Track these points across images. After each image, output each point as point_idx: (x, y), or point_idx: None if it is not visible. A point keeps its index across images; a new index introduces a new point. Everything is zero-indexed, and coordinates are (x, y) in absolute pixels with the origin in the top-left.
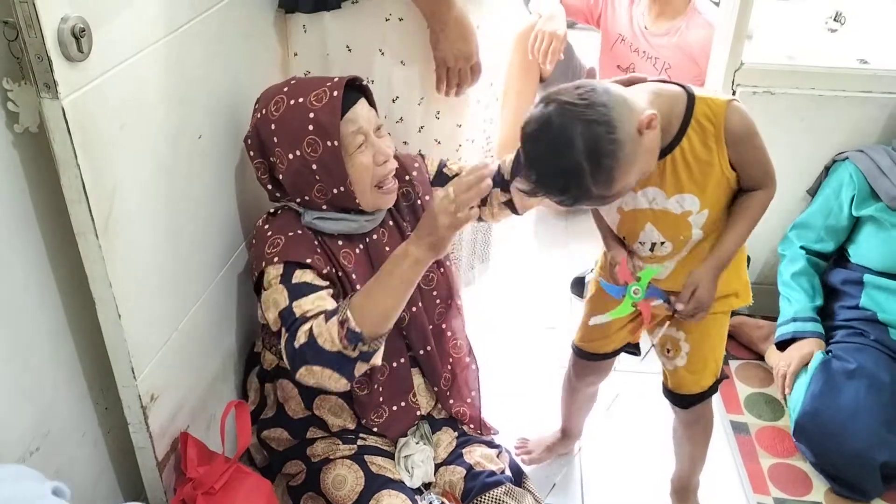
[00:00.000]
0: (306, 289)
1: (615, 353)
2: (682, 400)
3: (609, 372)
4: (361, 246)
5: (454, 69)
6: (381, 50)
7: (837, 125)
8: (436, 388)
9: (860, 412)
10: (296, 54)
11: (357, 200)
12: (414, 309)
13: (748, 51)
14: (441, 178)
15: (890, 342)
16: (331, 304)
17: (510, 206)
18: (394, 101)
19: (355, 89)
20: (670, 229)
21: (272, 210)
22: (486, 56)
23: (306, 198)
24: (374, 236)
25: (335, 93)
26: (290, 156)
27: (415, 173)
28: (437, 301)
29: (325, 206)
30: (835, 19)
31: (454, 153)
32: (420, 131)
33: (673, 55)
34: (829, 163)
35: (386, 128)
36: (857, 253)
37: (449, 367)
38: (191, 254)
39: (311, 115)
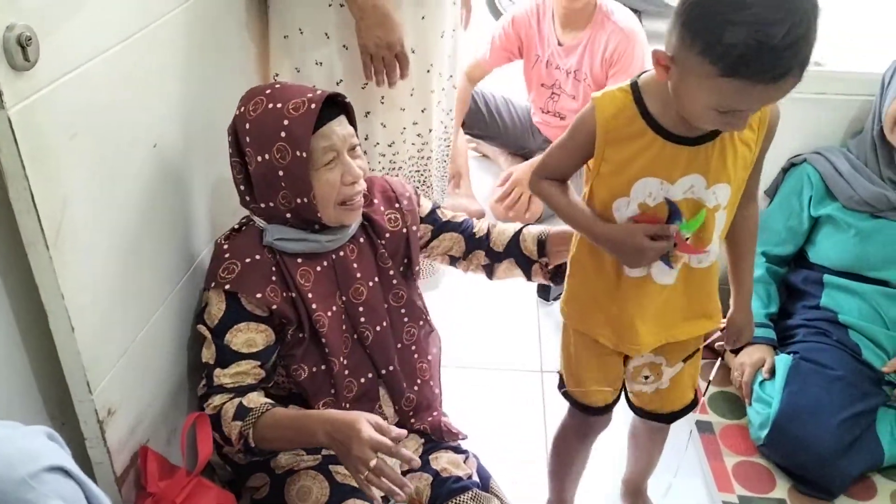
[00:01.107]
0: (231, 356)
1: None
2: (667, 417)
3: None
4: (326, 263)
5: (377, 56)
6: (326, 33)
7: (794, 127)
8: (397, 407)
9: (829, 414)
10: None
11: (319, 214)
12: (378, 328)
13: None
14: (432, 218)
15: (851, 343)
16: (251, 379)
17: (487, 270)
18: (337, 83)
19: (337, 105)
20: (696, 222)
21: (236, 226)
22: (437, 46)
23: (271, 204)
24: (342, 253)
25: (313, 105)
26: (260, 158)
27: (405, 202)
28: (406, 320)
29: (288, 215)
30: None
31: (398, 136)
32: (366, 116)
33: (589, 65)
34: (786, 165)
35: None
36: (815, 253)
37: (415, 388)
38: (148, 264)
39: (286, 122)
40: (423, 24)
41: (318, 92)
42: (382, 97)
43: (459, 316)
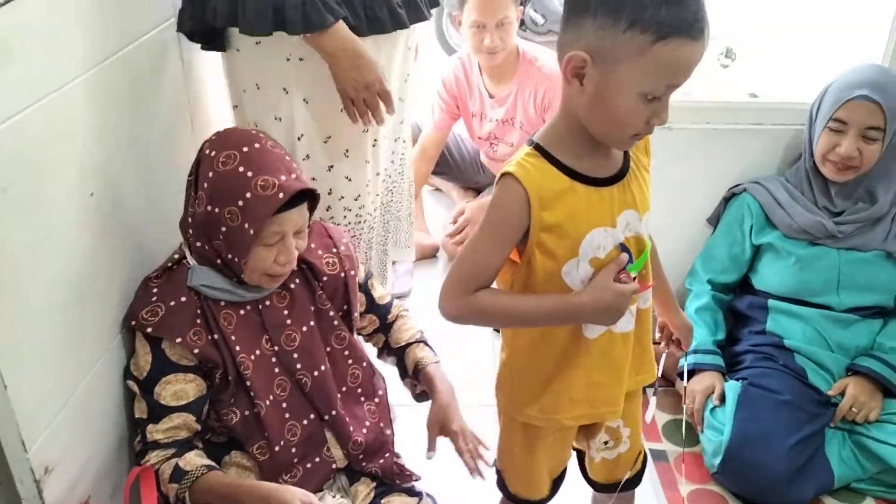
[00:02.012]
0: (162, 410)
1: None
2: (631, 483)
3: None
4: (249, 307)
5: (357, 99)
6: (285, 88)
7: (733, 156)
8: (345, 451)
9: (779, 439)
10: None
11: (243, 274)
12: (316, 373)
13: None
14: (365, 290)
15: (797, 367)
16: (186, 432)
17: (379, 351)
18: (298, 138)
19: (303, 192)
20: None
21: (169, 263)
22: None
23: (205, 247)
24: (268, 302)
25: (281, 195)
26: (209, 207)
27: (342, 248)
28: (350, 362)
29: (218, 262)
30: (726, 55)
31: (363, 188)
32: (330, 170)
33: (522, 113)
34: (727, 194)
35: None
36: (759, 280)
37: (363, 431)
38: (89, 314)
39: (248, 195)
40: (385, 71)
41: (293, 177)
42: (346, 150)
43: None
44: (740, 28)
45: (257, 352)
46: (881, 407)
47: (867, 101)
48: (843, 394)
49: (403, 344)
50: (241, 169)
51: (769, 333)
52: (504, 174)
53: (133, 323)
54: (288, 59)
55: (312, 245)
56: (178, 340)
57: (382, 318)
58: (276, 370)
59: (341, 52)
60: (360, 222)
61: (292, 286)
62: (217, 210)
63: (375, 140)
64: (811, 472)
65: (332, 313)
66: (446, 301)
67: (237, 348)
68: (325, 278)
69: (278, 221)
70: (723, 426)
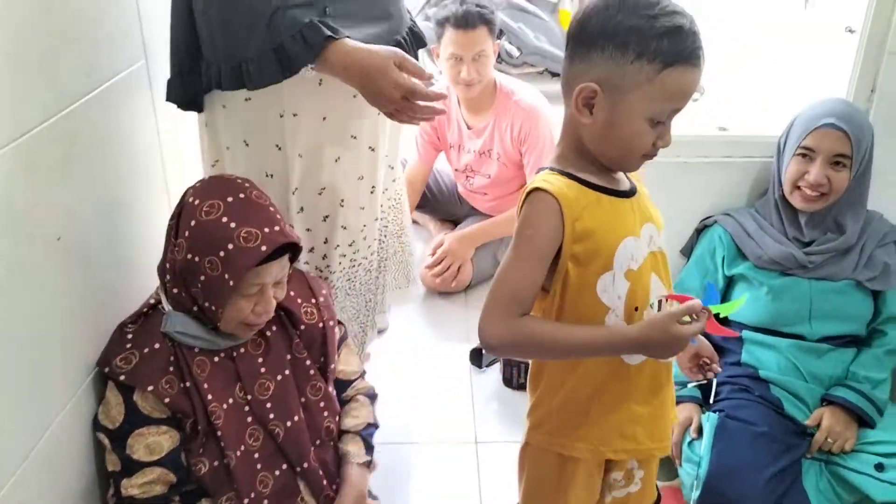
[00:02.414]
0: (136, 465)
1: None
2: None
3: None
4: (223, 355)
5: (392, 112)
6: (277, 145)
7: (705, 189)
8: (318, 502)
9: (757, 471)
10: (202, 144)
11: (219, 322)
12: (289, 423)
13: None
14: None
15: (773, 398)
16: (161, 486)
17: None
18: (293, 192)
19: (286, 243)
20: (665, 273)
21: (145, 309)
22: (388, 140)
23: (183, 293)
24: (242, 350)
25: (263, 248)
26: (189, 255)
27: (321, 299)
28: (326, 414)
29: (195, 309)
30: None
31: (359, 234)
32: (325, 220)
33: (500, 145)
34: (699, 226)
35: (285, 217)
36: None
37: (334, 487)
38: (53, 360)
39: (230, 246)
40: (379, 119)
41: (277, 229)
42: (342, 200)
43: (389, 388)
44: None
45: (230, 400)
46: (856, 437)
47: (834, 129)
48: (818, 424)
49: (344, 430)
50: (224, 219)
51: (744, 365)
52: (532, 190)
53: (107, 370)
54: (281, 116)
55: (292, 293)
56: (150, 388)
57: (338, 394)
58: (249, 419)
59: (350, 68)
60: (353, 266)
61: (269, 333)
62: (197, 259)
63: (373, 187)
64: (789, 503)
65: (308, 362)
66: (489, 326)
67: (209, 397)
68: (302, 327)
69: (259, 274)
70: (700, 459)
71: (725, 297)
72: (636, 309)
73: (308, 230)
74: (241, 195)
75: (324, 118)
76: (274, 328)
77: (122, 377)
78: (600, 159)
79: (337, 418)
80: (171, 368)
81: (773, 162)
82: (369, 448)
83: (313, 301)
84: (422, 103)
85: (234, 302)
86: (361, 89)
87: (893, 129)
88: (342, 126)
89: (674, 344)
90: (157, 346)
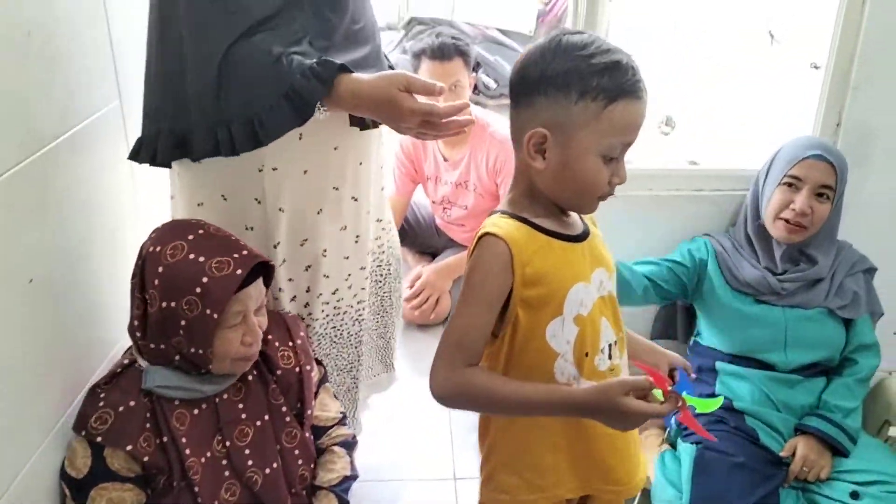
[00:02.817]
0: None
1: None
2: None
3: None
4: (205, 405)
5: (416, 134)
6: (256, 199)
7: (675, 222)
8: None
9: (739, 501)
10: (172, 197)
11: (211, 365)
12: (268, 471)
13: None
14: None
15: (748, 429)
16: None
17: None
18: (275, 246)
19: (258, 265)
20: (615, 320)
21: (118, 369)
22: (371, 189)
23: (161, 346)
24: (225, 395)
25: (238, 271)
26: (164, 304)
27: (299, 341)
28: (300, 462)
29: (176, 358)
30: (666, 123)
31: (343, 283)
32: (307, 270)
33: (476, 176)
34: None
35: None
36: (706, 338)
37: None
38: (23, 407)
39: (205, 279)
40: (360, 169)
41: (245, 253)
42: (324, 250)
43: (366, 422)
44: (679, 96)
45: (208, 454)
46: (831, 465)
47: (822, 160)
48: (793, 453)
49: (318, 484)
50: (191, 256)
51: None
52: (482, 235)
53: (83, 433)
54: (260, 170)
55: (269, 336)
56: (129, 448)
57: (314, 440)
58: (227, 473)
59: (361, 103)
60: (338, 313)
61: (249, 378)
62: (174, 304)
63: (358, 236)
64: None
65: (284, 409)
66: (435, 377)
67: (187, 451)
68: (279, 372)
69: (240, 300)
70: (678, 480)
71: (699, 325)
72: (586, 354)
73: (290, 280)
74: (201, 231)
75: (304, 172)
76: (254, 373)
77: (98, 438)
78: (556, 202)
79: (312, 465)
80: (148, 425)
81: (746, 194)
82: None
83: (290, 344)
84: (445, 119)
85: (221, 337)
86: (377, 119)
87: (859, 162)
88: (323, 179)
89: (625, 418)
90: (132, 403)
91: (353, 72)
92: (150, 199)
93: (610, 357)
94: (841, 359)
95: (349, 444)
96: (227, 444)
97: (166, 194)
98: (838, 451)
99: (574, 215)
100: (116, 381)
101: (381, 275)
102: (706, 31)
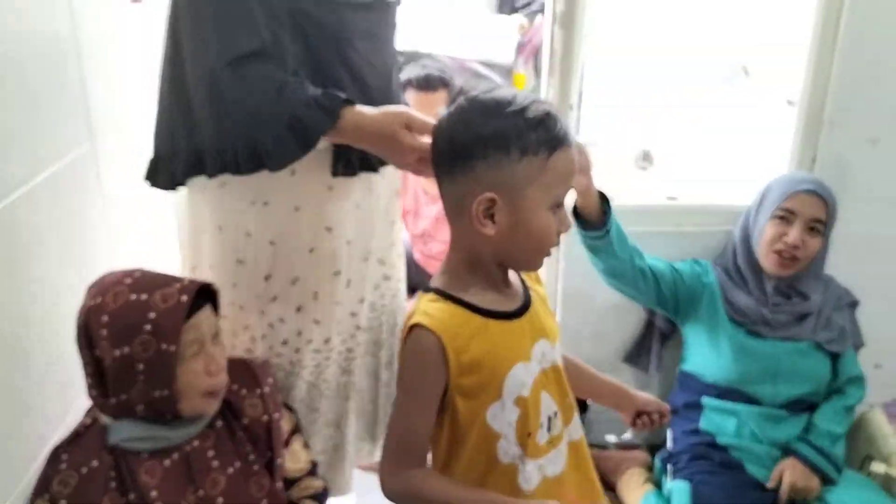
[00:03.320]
0: None
1: None
2: None
3: None
4: (176, 456)
5: (412, 171)
6: (248, 232)
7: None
8: None
9: None
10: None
11: (179, 406)
12: None
13: (569, 196)
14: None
15: (734, 462)
16: None
17: None
18: (265, 279)
19: (204, 293)
20: (559, 390)
21: (81, 428)
22: (377, 235)
23: (123, 397)
24: (196, 443)
25: (184, 298)
26: (118, 352)
27: (266, 388)
28: None
29: (140, 407)
30: (644, 158)
31: (333, 330)
32: (298, 311)
33: None
34: None
35: (257, 306)
36: (694, 362)
37: None
38: None
39: (152, 314)
40: (358, 213)
41: (187, 281)
42: (316, 292)
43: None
44: (657, 131)
45: None
46: (819, 487)
47: (814, 195)
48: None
49: None
50: (133, 297)
51: (703, 432)
52: (411, 327)
53: (46, 496)
54: (252, 203)
55: (235, 385)
56: None
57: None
58: None
59: (363, 135)
60: (328, 362)
61: (217, 424)
62: (127, 349)
63: (349, 280)
64: None
65: (251, 458)
66: (383, 478)
67: None
68: (246, 421)
69: (193, 327)
70: None
71: (687, 353)
72: (529, 434)
73: (281, 321)
74: (137, 273)
75: (296, 209)
76: (220, 421)
77: (62, 502)
78: (505, 264)
79: None
80: (114, 484)
81: (729, 229)
82: None
83: (258, 392)
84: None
85: (183, 371)
86: (376, 153)
87: (836, 196)
88: (316, 217)
89: None
90: (95, 463)
91: (355, 104)
92: (126, 244)
93: (549, 430)
94: (829, 391)
95: (320, 497)
96: (200, 493)
97: (143, 241)
98: (824, 479)
99: (515, 281)
100: (79, 441)
101: (375, 332)
102: (681, 65)
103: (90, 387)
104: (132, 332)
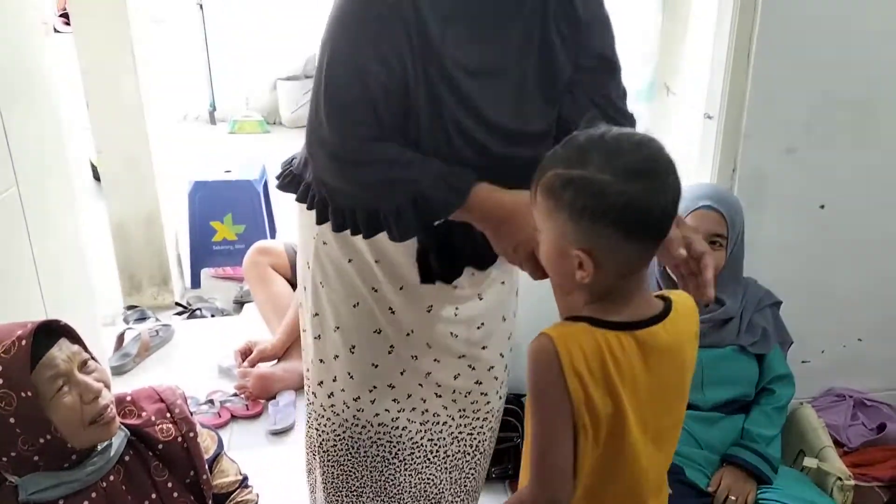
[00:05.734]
0: None
1: None
2: None
3: None
4: (94, 495)
5: (512, 260)
6: (308, 263)
7: None
8: None
9: None
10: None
11: (69, 444)
12: None
13: None
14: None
15: (674, 467)
16: None
17: None
18: (314, 315)
19: (53, 331)
20: None
21: None
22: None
23: (13, 454)
24: (111, 477)
25: (23, 342)
26: None
27: (177, 411)
28: None
29: (36, 458)
30: None
31: (367, 394)
32: (336, 359)
33: None
34: None
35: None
36: None
37: None
38: None
39: (0, 368)
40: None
41: (28, 324)
42: (353, 347)
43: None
44: None
45: None
46: (755, 491)
47: (711, 210)
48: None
49: None
50: None
51: None
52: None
53: None
54: (315, 238)
55: (143, 413)
56: None
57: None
58: None
59: (493, 210)
60: (357, 426)
61: (126, 458)
62: None
63: (392, 346)
64: None
65: (170, 484)
66: None
67: None
68: (160, 447)
69: (45, 366)
70: None
71: None
72: None
73: (321, 360)
74: None
75: (349, 260)
76: (130, 453)
77: None
78: None
79: None
80: None
81: None
82: None
83: (169, 416)
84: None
85: (54, 410)
86: (495, 232)
87: (755, 205)
88: (362, 273)
89: None
90: None
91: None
92: (57, 289)
93: None
94: (758, 390)
95: None
96: None
97: (72, 280)
98: (761, 480)
99: None
100: None
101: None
102: None
103: None
104: None
